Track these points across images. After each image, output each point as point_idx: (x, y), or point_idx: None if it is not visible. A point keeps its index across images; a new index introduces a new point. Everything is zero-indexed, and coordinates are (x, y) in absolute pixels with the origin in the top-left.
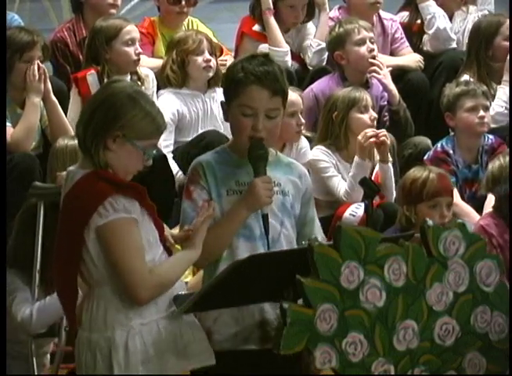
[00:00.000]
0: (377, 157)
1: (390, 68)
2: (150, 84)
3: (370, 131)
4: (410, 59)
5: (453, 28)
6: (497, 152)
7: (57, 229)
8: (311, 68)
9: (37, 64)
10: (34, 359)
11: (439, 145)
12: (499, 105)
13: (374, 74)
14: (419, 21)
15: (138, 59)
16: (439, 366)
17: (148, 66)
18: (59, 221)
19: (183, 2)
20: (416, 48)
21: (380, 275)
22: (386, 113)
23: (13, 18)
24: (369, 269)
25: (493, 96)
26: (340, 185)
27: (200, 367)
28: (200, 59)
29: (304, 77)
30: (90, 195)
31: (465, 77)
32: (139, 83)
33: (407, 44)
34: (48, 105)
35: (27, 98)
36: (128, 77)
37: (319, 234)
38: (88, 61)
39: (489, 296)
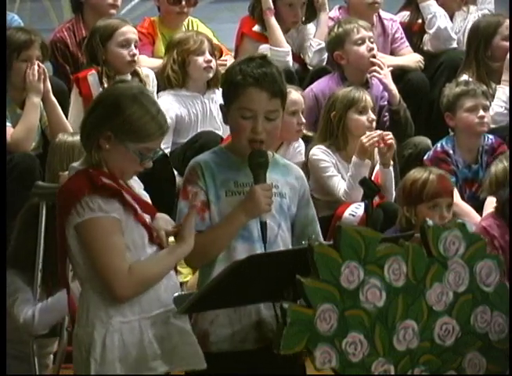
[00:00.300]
0: (377, 157)
1: (390, 68)
2: (150, 84)
3: (375, 134)
4: (410, 59)
5: (454, 28)
6: (497, 152)
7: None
8: (311, 68)
9: (37, 64)
10: (36, 360)
11: (439, 145)
12: (498, 105)
13: (375, 74)
14: (419, 21)
15: (133, 61)
16: (439, 366)
17: (148, 66)
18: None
19: (183, 3)
20: (417, 47)
21: (380, 275)
22: (386, 113)
23: (13, 18)
24: (369, 269)
25: (492, 96)
26: (340, 185)
27: (191, 370)
28: (200, 59)
29: (304, 77)
30: (69, 192)
31: (464, 76)
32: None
33: (407, 44)
34: (48, 105)
35: (26, 98)
36: (129, 77)
37: (320, 235)
38: (89, 61)
39: (489, 296)
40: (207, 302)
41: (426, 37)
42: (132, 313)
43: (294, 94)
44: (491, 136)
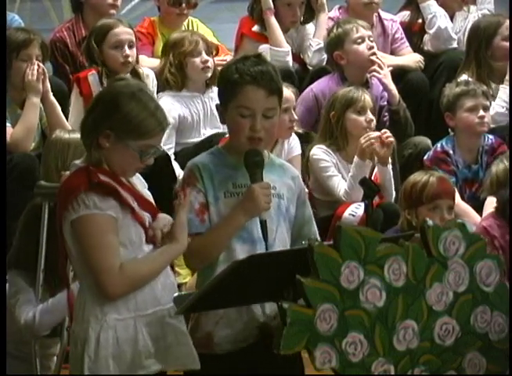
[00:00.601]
0: (377, 160)
1: (390, 68)
2: (150, 85)
3: (373, 134)
4: (410, 59)
5: (454, 28)
6: (497, 152)
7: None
8: (311, 68)
9: (37, 64)
10: (38, 360)
11: (439, 145)
12: (499, 105)
13: (374, 74)
14: (420, 21)
15: (127, 62)
16: (439, 366)
17: (148, 66)
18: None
19: (183, 5)
20: (417, 47)
21: (380, 275)
22: (386, 113)
23: (13, 19)
24: (369, 269)
25: (492, 96)
26: (340, 185)
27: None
28: (197, 60)
29: (304, 77)
30: (67, 189)
31: (464, 76)
32: None
33: (407, 44)
34: (47, 105)
35: (26, 98)
36: (128, 77)
37: (317, 234)
38: (88, 62)
39: (489, 296)
40: (207, 302)
41: (426, 37)
42: (127, 311)
43: (286, 91)
44: (491, 136)
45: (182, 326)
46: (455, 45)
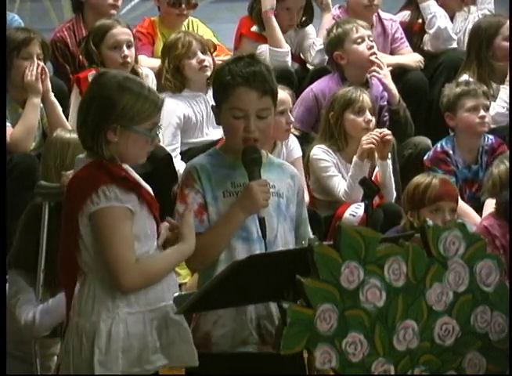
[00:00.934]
0: (377, 155)
1: (390, 68)
2: (150, 84)
3: (374, 135)
4: (410, 58)
5: (454, 28)
6: (497, 152)
7: (61, 216)
8: (311, 68)
9: (36, 64)
10: (38, 360)
11: (439, 145)
12: (500, 105)
13: (374, 74)
14: (420, 21)
15: (126, 62)
16: (439, 366)
17: (148, 66)
18: (63, 207)
19: (183, 5)
20: (417, 47)
21: (380, 275)
22: (386, 113)
23: (14, 19)
24: (369, 269)
25: (493, 96)
26: (341, 185)
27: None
28: (193, 61)
29: (303, 77)
30: (86, 182)
31: (464, 76)
32: None
33: (407, 44)
34: (48, 104)
35: (27, 98)
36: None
37: (310, 234)
38: (88, 62)
39: (489, 296)
40: (207, 302)
41: (426, 37)
42: (138, 305)
43: (281, 93)
44: (491, 136)
45: (184, 322)
46: (455, 45)
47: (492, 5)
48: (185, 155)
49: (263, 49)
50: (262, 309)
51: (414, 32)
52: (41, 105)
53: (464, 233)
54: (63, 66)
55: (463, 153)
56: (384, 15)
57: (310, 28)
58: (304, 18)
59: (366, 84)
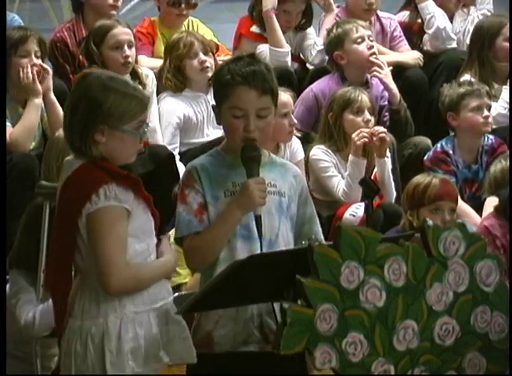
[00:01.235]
0: (375, 154)
1: (390, 68)
2: (150, 85)
3: (365, 130)
4: (409, 55)
5: (454, 28)
6: (497, 152)
7: (54, 218)
8: (311, 68)
9: (31, 64)
10: (38, 360)
11: (439, 145)
12: (502, 106)
13: (375, 74)
14: (419, 21)
15: (127, 63)
16: (439, 366)
17: (148, 66)
18: (56, 210)
19: (183, 5)
20: (417, 47)
21: (380, 275)
22: (386, 113)
23: (14, 19)
24: (369, 269)
25: (494, 97)
26: (340, 185)
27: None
28: (195, 62)
29: (303, 77)
30: (86, 183)
31: (466, 76)
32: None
33: (405, 42)
34: (48, 104)
35: (28, 99)
36: (128, 78)
37: (319, 233)
38: (89, 62)
39: (489, 296)
40: (207, 302)
41: (425, 37)
42: (143, 304)
43: (284, 96)
44: (491, 136)
45: (182, 320)
46: (454, 44)
47: (491, 5)
48: (184, 156)
49: (262, 49)
50: (264, 306)
51: (414, 32)
52: (42, 105)
53: (464, 233)
54: (63, 67)
55: (463, 153)
56: (381, 13)
57: (309, 28)
58: (303, 21)
59: (366, 85)
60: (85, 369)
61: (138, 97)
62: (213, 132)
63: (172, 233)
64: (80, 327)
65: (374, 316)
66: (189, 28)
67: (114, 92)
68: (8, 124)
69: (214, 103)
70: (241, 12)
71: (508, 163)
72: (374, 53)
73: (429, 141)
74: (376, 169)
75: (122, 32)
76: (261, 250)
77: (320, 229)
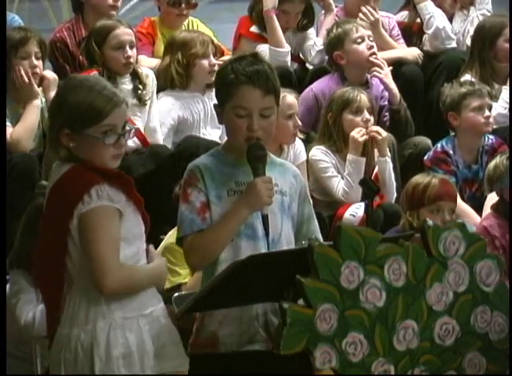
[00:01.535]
0: (377, 153)
1: (390, 68)
2: (150, 85)
3: (363, 130)
4: (409, 51)
5: (454, 29)
6: (497, 152)
7: (41, 221)
8: (310, 68)
9: (25, 68)
10: (38, 360)
11: (439, 145)
12: (502, 106)
13: (375, 74)
14: (419, 21)
15: (129, 63)
16: (439, 366)
17: (148, 66)
18: (43, 213)
19: (183, 5)
20: (417, 47)
21: (380, 275)
22: (386, 113)
23: (14, 19)
24: (369, 269)
25: (494, 97)
26: (340, 185)
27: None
28: (206, 63)
29: (303, 77)
30: (76, 184)
31: (466, 76)
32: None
33: (403, 41)
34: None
35: (27, 100)
36: (128, 78)
37: (317, 233)
38: (88, 63)
39: (489, 296)
40: (207, 302)
41: (425, 37)
42: (132, 310)
43: (289, 97)
44: (491, 136)
45: (173, 327)
46: (454, 44)
47: (490, 6)
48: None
49: (262, 49)
50: (269, 305)
51: (413, 32)
52: (42, 105)
53: (464, 233)
54: (63, 67)
55: (464, 153)
56: (380, 12)
57: (310, 29)
58: (304, 21)
59: (366, 84)
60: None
61: (106, 95)
62: (211, 132)
63: (173, 231)
64: (68, 336)
65: (374, 316)
66: (188, 28)
67: (79, 89)
68: (8, 124)
69: (215, 102)
70: (240, 13)
71: (502, 158)
72: (374, 53)
73: (429, 141)
74: (376, 169)
75: (124, 32)
76: (268, 249)
77: (318, 228)
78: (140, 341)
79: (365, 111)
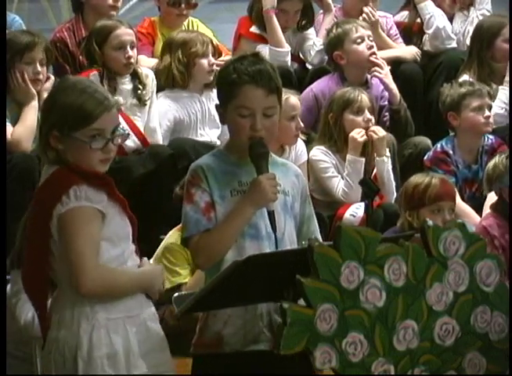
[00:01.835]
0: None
1: (390, 67)
2: (150, 85)
3: (362, 130)
4: (407, 50)
5: (454, 29)
6: (497, 152)
7: (27, 223)
8: (310, 68)
9: (19, 72)
10: (38, 360)
11: (439, 145)
12: (499, 106)
13: (375, 74)
14: (418, 21)
15: (130, 63)
16: (439, 366)
17: (147, 66)
18: (28, 215)
19: (183, 5)
20: (417, 47)
21: (380, 275)
22: (386, 113)
23: (14, 19)
24: (369, 269)
25: (494, 97)
26: (340, 185)
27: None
28: (205, 62)
29: (303, 77)
30: (56, 185)
31: (465, 76)
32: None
33: (401, 40)
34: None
35: (26, 102)
36: (128, 78)
37: (317, 233)
38: (89, 63)
39: (489, 296)
40: (207, 302)
41: (425, 37)
42: (117, 311)
43: (293, 99)
44: (491, 137)
45: (161, 332)
46: (454, 44)
47: (490, 6)
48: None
49: (262, 49)
50: (273, 305)
51: (414, 32)
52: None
53: (464, 233)
54: (63, 67)
55: (463, 153)
56: (378, 12)
57: (310, 29)
58: (304, 22)
59: (366, 84)
60: None
61: (97, 98)
62: (209, 133)
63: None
64: (56, 338)
65: (374, 316)
66: (188, 28)
67: (70, 91)
68: (8, 123)
69: (214, 102)
70: (240, 13)
71: (501, 158)
72: (374, 53)
73: (429, 141)
74: (376, 169)
75: (125, 33)
76: (276, 246)
77: (318, 228)
78: (126, 342)
79: (367, 111)
